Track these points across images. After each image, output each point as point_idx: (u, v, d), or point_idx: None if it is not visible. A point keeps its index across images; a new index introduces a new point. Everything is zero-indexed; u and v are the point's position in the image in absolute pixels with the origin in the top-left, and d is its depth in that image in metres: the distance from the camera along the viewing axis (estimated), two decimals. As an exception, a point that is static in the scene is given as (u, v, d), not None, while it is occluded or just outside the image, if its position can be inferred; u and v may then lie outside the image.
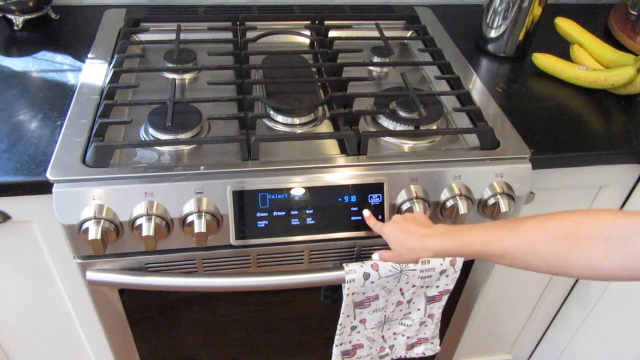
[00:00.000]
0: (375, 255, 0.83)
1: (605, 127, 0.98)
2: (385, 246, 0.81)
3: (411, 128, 0.91)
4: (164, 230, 0.79)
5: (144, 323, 0.99)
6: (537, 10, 1.11)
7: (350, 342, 0.96)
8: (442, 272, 0.89)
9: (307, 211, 0.83)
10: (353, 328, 0.93)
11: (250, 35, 1.11)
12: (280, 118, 0.92)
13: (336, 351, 0.97)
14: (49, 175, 0.77)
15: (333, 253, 0.91)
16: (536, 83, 1.10)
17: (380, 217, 0.85)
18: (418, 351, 1.03)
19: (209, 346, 1.07)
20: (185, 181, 0.79)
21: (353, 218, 0.84)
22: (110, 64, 1.02)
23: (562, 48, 1.13)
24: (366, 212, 0.84)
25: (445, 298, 0.94)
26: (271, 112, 0.93)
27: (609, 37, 1.24)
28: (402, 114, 0.93)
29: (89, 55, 1.05)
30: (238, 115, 0.89)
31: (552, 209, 1.02)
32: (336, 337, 0.94)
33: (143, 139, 0.88)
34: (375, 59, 1.11)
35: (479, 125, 0.93)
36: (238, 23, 1.15)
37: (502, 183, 0.87)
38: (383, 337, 0.99)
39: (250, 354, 1.12)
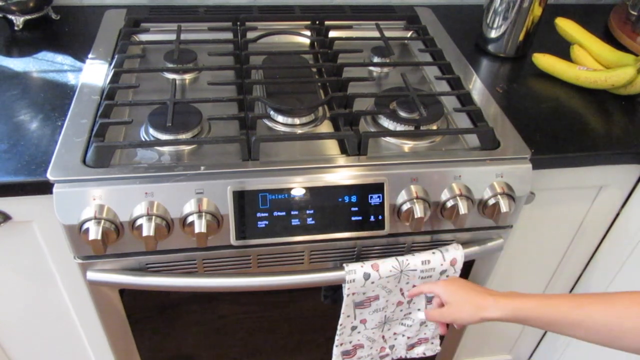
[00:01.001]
0: (422, 315, 0.81)
1: (605, 127, 0.98)
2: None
3: (411, 128, 0.91)
4: (164, 230, 0.79)
5: (144, 323, 0.99)
6: (537, 11, 1.11)
7: (350, 342, 0.96)
8: (443, 272, 0.89)
9: (308, 211, 0.83)
10: (353, 328, 0.93)
11: (250, 35, 1.11)
12: (280, 118, 0.92)
13: (336, 351, 0.97)
14: (50, 176, 0.77)
15: (333, 253, 0.91)
16: (536, 83, 1.10)
17: (380, 217, 0.85)
18: (418, 351, 1.03)
19: (209, 346, 1.07)
20: (186, 181, 0.79)
21: (353, 218, 0.84)
22: (110, 64, 1.02)
23: (562, 48, 1.13)
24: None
25: (445, 298, 0.94)
26: (271, 113, 0.93)
27: (609, 38, 1.24)
28: (403, 114, 0.93)
29: (90, 56, 1.05)
30: (238, 115, 0.89)
31: (552, 209, 1.03)
32: (336, 337, 0.94)
33: (143, 139, 0.88)
34: (376, 59, 1.11)
35: (479, 125, 0.93)
36: (238, 23, 1.15)
37: (502, 183, 0.87)
38: (383, 337, 0.99)
39: (250, 354, 1.12)
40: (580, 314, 0.65)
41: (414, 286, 0.90)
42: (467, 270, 1.02)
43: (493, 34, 1.16)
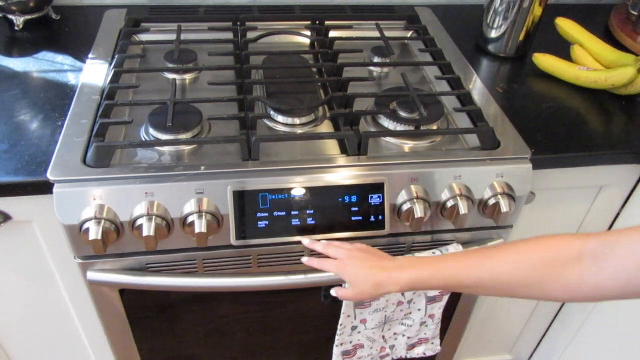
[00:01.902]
0: (333, 292, 0.79)
1: (605, 127, 0.98)
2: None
3: (412, 128, 0.91)
4: (164, 230, 0.79)
5: (144, 323, 0.99)
6: (537, 11, 1.11)
7: (350, 342, 0.96)
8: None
9: (308, 211, 0.83)
10: (354, 328, 0.93)
11: (250, 35, 1.12)
12: (280, 118, 0.92)
13: (337, 351, 0.97)
14: (50, 176, 0.77)
15: (334, 253, 0.91)
16: (537, 83, 1.10)
17: (380, 217, 0.85)
18: (419, 351, 1.03)
19: (209, 346, 1.07)
20: (186, 181, 0.79)
21: (354, 218, 0.84)
22: (111, 64, 1.02)
23: (562, 48, 1.13)
24: (306, 241, 0.81)
25: (446, 298, 0.94)
26: (272, 113, 0.93)
27: (609, 38, 1.24)
28: (403, 114, 0.93)
29: (90, 56, 1.05)
30: (239, 115, 0.89)
31: (553, 210, 1.03)
32: (337, 337, 0.94)
33: (144, 140, 0.88)
34: (376, 60, 1.11)
35: (480, 125, 0.93)
36: (239, 23, 1.15)
37: (502, 183, 0.87)
38: (384, 337, 0.99)
39: (250, 354, 1.12)
40: (472, 277, 0.67)
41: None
42: (467, 270, 1.02)
43: (493, 34, 1.16)
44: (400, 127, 0.92)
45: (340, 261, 0.77)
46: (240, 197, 0.80)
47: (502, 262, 0.65)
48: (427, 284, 0.71)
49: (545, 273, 0.62)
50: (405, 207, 0.84)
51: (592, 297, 0.60)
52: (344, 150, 0.88)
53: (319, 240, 0.82)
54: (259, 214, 0.81)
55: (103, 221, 0.77)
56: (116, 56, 1.01)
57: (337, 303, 0.90)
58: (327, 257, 0.80)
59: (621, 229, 0.59)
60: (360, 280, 0.74)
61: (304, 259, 0.82)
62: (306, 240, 0.82)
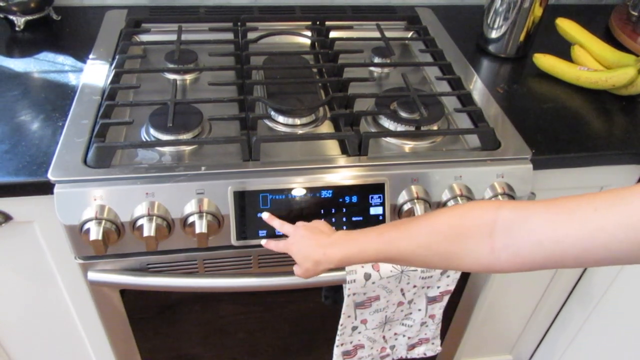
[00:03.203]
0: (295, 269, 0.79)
1: (606, 127, 0.98)
2: None
3: (412, 128, 0.92)
4: (165, 230, 0.79)
5: (145, 323, 0.99)
6: (537, 11, 1.11)
7: (351, 342, 0.96)
8: (443, 272, 0.89)
9: (308, 212, 0.83)
10: (354, 328, 0.93)
11: (251, 35, 1.12)
12: (281, 119, 0.92)
13: (337, 351, 0.97)
14: (51, 176, 0.77)
15: (334, 253, 0.91)
16: (537, 84, 1.10)
17: (381, 217, 0.85)
18: (419, 351, 1.03)
19: (209, 346, 1.08)
20: (187, 182, 0.79)
21: (354, 218, 0.84)
22: (111, 64, 1.02)
23: (563, 49, 1.13)
24: (265, 215, 0.81)
25: (446, 298, 0.94)
26: (272, 113, 0.93)
27: (609, 38, 1.24)
28: (403, 114, 0.93)
29: (90, 56, 1.05)
30: (239, 115, 0.89)
31: (553, 210, 1.03)
32: (337, 338, 0.94)
33: (144, 140, 0.88)
34: (376, 60, 1.11)
35: (480, 125, 0.93)
36: (239, 24, 1.15)
37: (503, 183, 0.87)
38: (384, 337, 0.99)
39: (251, 354, 1.12)
40: (394, 249, 0.67)
41: (414, 287, 0.90)
42: (467, 270, 1.02)
43: (494, 35, 1.16)
44: (400, 128, 0.92)
45: (288, 240, 0.77)
46: (241, 197, 0.80)
47: (421, 236, 0.65)
48: (358, 259, 0.71)
49: (457, 244, 0.61)
50: (405, 207, 0.84)
51: (505, 269, 0.59)
52: (344, 151, 0.88)
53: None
54: (259, 214, 0.81)
55: (103, 221, 0.77)
56: (117, 56, 1.01)
57: (337, 303, 0.90)
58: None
59: (536, 201, 0.58)
60: (303, 258, 0.74)
61: (263, 241, 0.81)
62: (265, 215, 0.81)
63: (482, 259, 0.60)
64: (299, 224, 0.78)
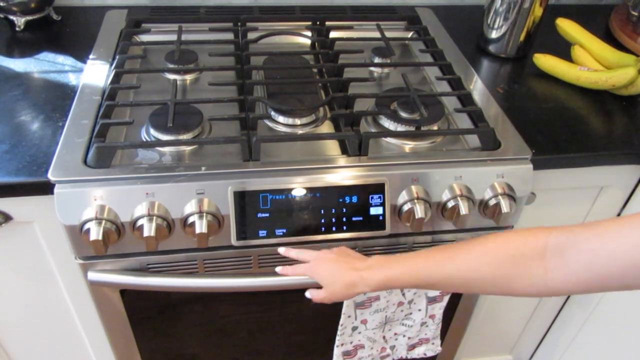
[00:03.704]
0: (308, 294, 0.80)
1: (606, 127, 0.98)
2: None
3: (412, 129, 0.92)
4: (165, 230, 0.79)
5: (145, 323, 0.99)
6: (538, 11, 1.11)
7: (351, 342, 0.96)
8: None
9: (308, 212, 0.83)
10: (354, 328, 0.93)
11: (251, 36, 1.12)
12: (281, 119, 0.92)
13: (337, 351, 0.97)
14: (51, 176, 0.77)
15: (334, 253, 0.91)
16: (537, 84, 1.10)
17: (381, 217, 0.85)
18: (419, 352, 1.03)
19: (209, 346, 1.08)
20: (187, 182, 0.79)
21: (354, 218, 0.84)
22: (111, 64, 1.02)
23: (563, 49, 1.13)
24: (282, 250, 0.82)
25: (446, 298, 0.94)
26: (272, 113, 0.93)
27: (610, 38, 1.24)
28: (403, 114, 0.93)
29: (91, 56, 1.05)
30: (239, 116, 0.89)
31: (553, 210, 1.03)
32: (337, 338, 0.94)
33: (144, 140, 0.88)
34: (376, 60, 1.11)
35: (480, 125, 0.93)
36: (239, 24, 1.16)
37: (503, 184, 0.87)
38: (384, 337, 0.99)
39: (251, 354, 1.12)
40: (439, 274, 0.68)
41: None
42: (467, 270, 1.02)
43: (494, 35, 1.16)
44: (400, 128, 0.92)
45: (311, 263, 0.78)
46: (241, 198, 0.80)
47: (469, 258, 0.66)
48: (397, 282, 0.72)
49: (510, 268, 0.62)
50: (405, 208, 0.84)
51: (559, 291, 0.60)
52: (344, 151, 0.88)
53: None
54: (259, 214, 0.81)
55: (104, 221, 0.77)
56: (117, 56, 1.01)
57: (337, 304, 0.90)
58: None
59: (585, 223, 0.58)
60: (331, 281, 0.75)
61: (278, 269, 0.82)
62: (282, 249, 0.83)
63: (536, 280, 0.60)
64: (322, 250, 0.78)
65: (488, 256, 0.64)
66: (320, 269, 0.76)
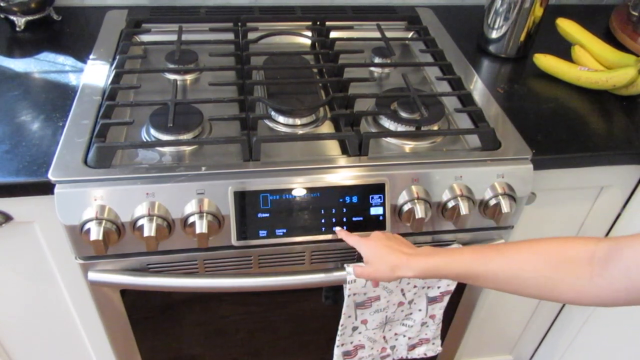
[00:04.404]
0: (350, 269, 0.81)
1: (606, 128, 0.98)
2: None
3: (412, 129, 0.92)
4: (165, 230, 0.79)
5: (145, 323, 0.99)
6: (538, 11, 1.11)
7: (351, 342, 0.96)
8: (444, 272, 0.89)
9: (308, 212, 0.83)
10: (354, 329, 0.93)
11: (251, 36, 1.12)
12: (281, 119, 0.92)
13: (337, 352, 0.97)
14: (51, 176, 0.77)
15: (334, 254, 0.91)
16: (537, 84, 1.10)
17: (381, 217, 0.85)
18: (419, 352, 1.03)
19: (210, 346, 1.08)
20: (187, 182, 0.79)
21: (354, 218, 0.84)
22: (112, 64, 1.02)
23: (563, 49, 1.13)
24: (338, 228, 0.84)
25: (446, 299, 0.94)
26: (272, 113, 0.93)
27: (610, 38, 1.24)
28: (403, 114, 0.93)
29: (91, 56, 1.05)
30: (239, 116, 0.89)
31: (553, 210, 1.03)
32: (337, 338, 0.94)
33: (145, 140, 0.88)
34: (377, 60, 1.11)
35: (480, 125, 0.93)
36: (239, 24, 1.16)
37: (503, 184, 0.87)
38: (384, 337, 0.99)
39: (251, 354, 1.12)
40: (486, 268, 0.68)
41: (415, 287, 0.90)
42: (468, 270, 1.02)
43: (494, 35, 1.16)
44: (400, 128, 0.92)
45: (364, 238, 0.80)
46: (241, 198, 0.80)
47: (519, 257, 0.66)
48: (441, 271, 0.73)
49: (559, 271, 0.62)
50: (405, 208, 0.84)
51: (599, 300, 0.60)
52: (344, 151, 0.88)
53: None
54: (259, 215, 0.81)
55: (104, 221, 0.77)
56: (117, 57, 1.01)
57: (338, 304, 0.90)
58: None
59: (634, 234, 0.59)
60: (377, 259, 0.76)
61: (336, 228, 0.84)
62: (337, 228, 0.85)
63: (581, 286, 0.61)
64: (377, 232, 0.81)
65: (538, 256, 0.65)
66: (371, 244, 0.78)
